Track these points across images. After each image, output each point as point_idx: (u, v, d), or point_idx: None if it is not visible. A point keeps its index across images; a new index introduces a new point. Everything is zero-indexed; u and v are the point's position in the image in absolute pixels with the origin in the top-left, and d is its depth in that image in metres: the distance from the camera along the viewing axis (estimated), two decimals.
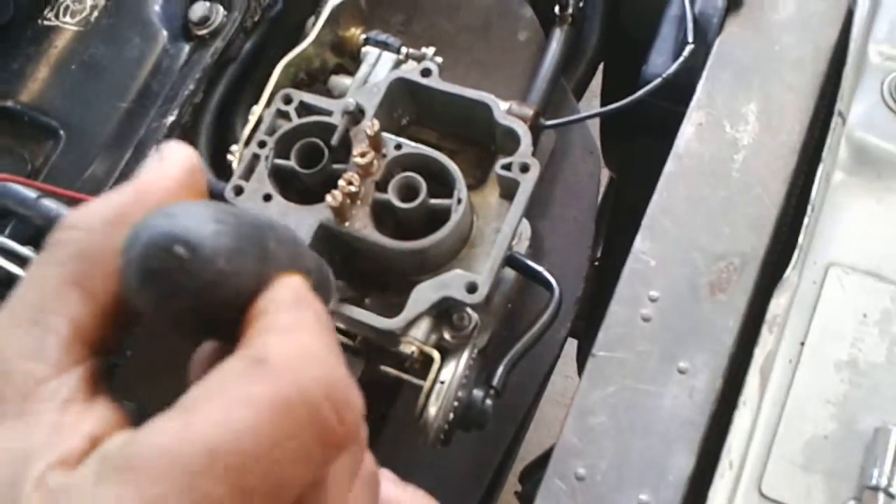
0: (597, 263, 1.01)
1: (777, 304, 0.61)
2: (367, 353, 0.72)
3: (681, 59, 0.75)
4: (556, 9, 0.89)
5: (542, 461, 1.01)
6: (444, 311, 0.69)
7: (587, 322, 0.96)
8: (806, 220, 0.62)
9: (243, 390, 0.27)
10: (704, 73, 0.75)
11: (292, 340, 0.29)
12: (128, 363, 0.66)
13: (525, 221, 0.80)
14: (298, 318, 0.30)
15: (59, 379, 0.30)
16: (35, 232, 0.69)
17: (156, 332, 0.33)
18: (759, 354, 0.60)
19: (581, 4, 0.91)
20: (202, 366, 0.34)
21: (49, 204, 0.65)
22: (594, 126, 1.03)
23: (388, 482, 0.39)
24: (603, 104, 1.12)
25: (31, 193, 0.65)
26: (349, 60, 0.83)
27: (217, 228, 0.29)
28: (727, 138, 0.72)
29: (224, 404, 0.27)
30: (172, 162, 0.35)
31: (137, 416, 0.32)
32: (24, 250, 0.61)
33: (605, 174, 1.11)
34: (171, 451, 0.26)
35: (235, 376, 0.28)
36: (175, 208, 0.30)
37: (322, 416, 0.28)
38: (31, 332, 0.30)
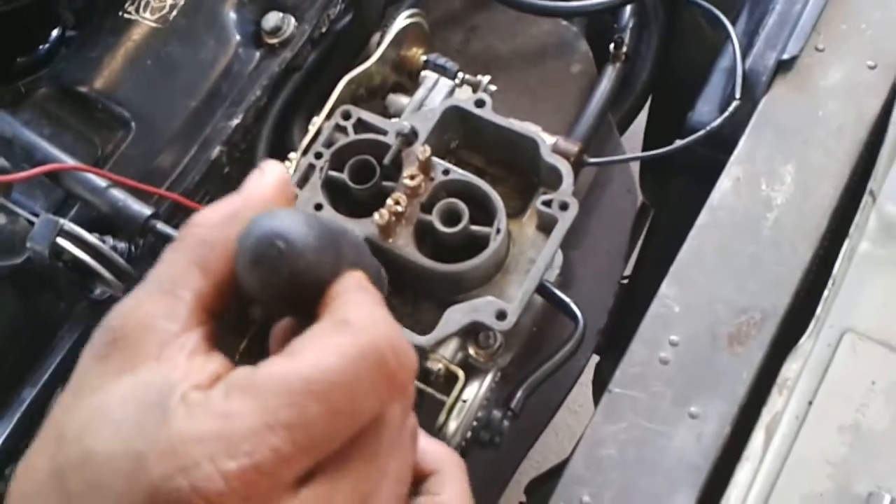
0: (624, 281, 1.04)
1: (789, 369, 0.64)
2: None
3: (727, 113, 0.78)
4: (612, 46, 0.92)
5: (549, 476, 1.05)
6: (471, 330, 0.73)
7: (608, 340, 0.99)
8: (826, 293, 0.65)
9: (332, 341, 0.37)
10: (747, 130, 0.77)
11: (365, 309, 0.39)
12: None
13: (558, 251, 0.83)
14: (364, 297, 0.40)
15: (186, 334, 0.39)
16: (97, 217, 0.73)
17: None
18: (767, 414, 0.63)
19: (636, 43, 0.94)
20: (281, 334, 0.44)
21: (117, 194, 0.69)
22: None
23: (424, 436, 0.48)
24: (646, 140, 1.15)
25: (102, 182, 0.70)
26: (407, 79, 0.86)
27: (307, 231, 0.39)
28: (762, 196, 0.74)
29: (319, 350, 0.37)
30: (270, 176, 0.45)
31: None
32: (90, 237, 0.66)
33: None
34: (281, 378, 0.36)
35: (326, 332, 0.38)
36: (279, 212, 0.40)
37: (387, 361, 0.37)
38: (165, 299, 0.40)
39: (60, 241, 0.64)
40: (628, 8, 0.96)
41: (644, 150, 1.11)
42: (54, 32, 1.10)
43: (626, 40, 0.93)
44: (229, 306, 0.43)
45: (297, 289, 0.39)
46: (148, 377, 0.38)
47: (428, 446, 0.48)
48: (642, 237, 1.15)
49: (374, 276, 0.44)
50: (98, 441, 0.36)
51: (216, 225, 0.42)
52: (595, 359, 1.18)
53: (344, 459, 0.38)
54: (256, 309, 0.51)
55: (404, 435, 0.42)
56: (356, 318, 0.38)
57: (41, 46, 1.08)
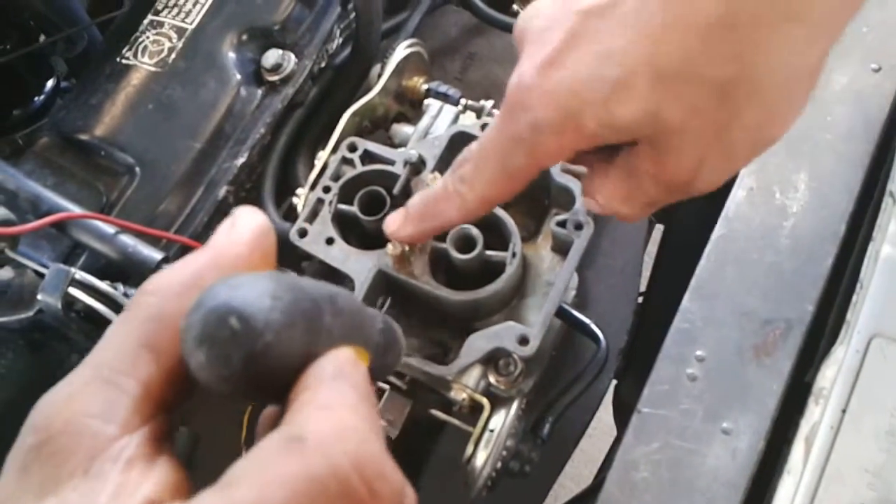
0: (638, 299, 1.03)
1: (824, 377, 0.62)
2: (416, 392, 0.74)
3: None
4: None
5: (576, 503, 1.03)
6: (491, 357, 0.71)
7: (625, 361, 0.98)
8: (854, 298, 0.64)
9: (277, 470, 0.29)
10: None
11: (329, 417, 0.31)
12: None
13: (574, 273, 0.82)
14: (337, 394, 0.32)
15: (125, 439, 0.32)
16: (106, 265, 0.72)
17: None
18: (805, 425, 0.61)
19: None
20: (265, 426, 0.37)
21: (126, 240, 0.68)
22: None
23: None
24: None
25: (110, 229, 0.68)
26: (410, 108, 0.86)
27: (272, 304, 0.32)
28: (777, 204, 0.74)
29: (259, 483, 0.29)
30: (243, 228, 0.37)
31: (189, 447, 0.35)
32: (102, 285, 0.64)
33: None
34: None
35: (271, 455, 0.30)
36: (239, 280, 0.32)
37: (353, 490, 0.30)
38: (103, 392, 0.33)
39: (73, 290, 0.62)
40: None
41: None
42: (49, 83, 1.10)
43: None
44: (186, 396, 0.35)
45: (256, 378, 0.32)
46: (72, 500, 0.31)
47: None
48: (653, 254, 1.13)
49: (380, 344, 0.38)
50: None
51: (173, 294, 0.34)
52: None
53: None
54: None
55: None
56: (315, 432, 0.30)
57: (36, 98, 1.08)
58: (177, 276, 0.35)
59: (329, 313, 0.34)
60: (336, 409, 0.31)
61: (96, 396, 0.33)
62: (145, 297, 0.35)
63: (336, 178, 0.75)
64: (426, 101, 0.82)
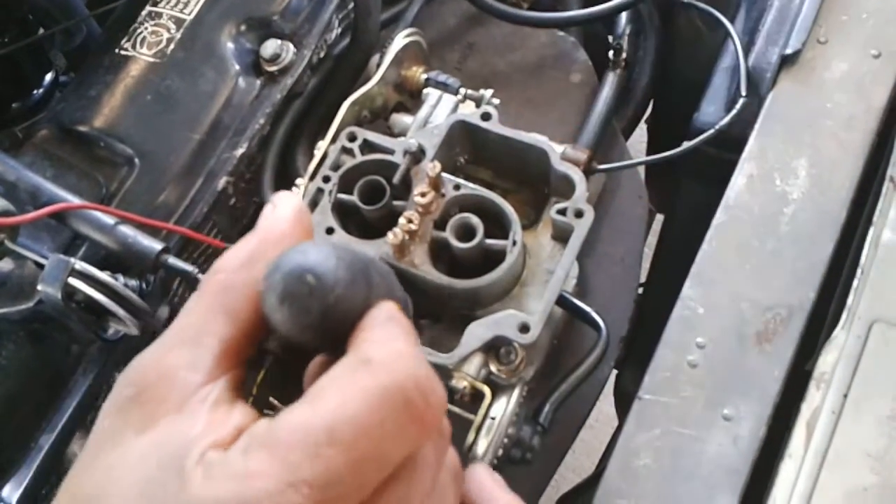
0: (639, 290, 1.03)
1: (825, 362, 0.62)
2: None
3: (734, 111, 0.77)
4: (610, 53, 0.92)
5: (578, 492, 1.03)
6: (492, 346, 0.71)
7: (625, 350, 0.98)
8: (855, 283, 0.64)
9: (354, 383, 0.35)
10: (756, 126, 0.76)
11: (388, 347, 0.37)
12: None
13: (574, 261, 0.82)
14: (392, 332, 0.39)
15: (210, 385, 0.38)
16: (106, 255, 0.72)
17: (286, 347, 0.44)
18: (806, 409, 0.61)
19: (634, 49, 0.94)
20: (314, 375, 0.42)
21: (126, 230, 0.68)
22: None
23: (494, 482, 0.47)
24: (650, 144, 1.15)
25: (110, 220, 0.68)
26: (409, 98, 0.86)
27: (337, 263, 0.38)
28: (777, 191, 0.74)
29: (340, 394, 0.35)
30: (284, 209, 0.44)
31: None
32: (102, 275, 0.64)
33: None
34: (302, 428, 0.34)
35: (346, 373, 0.36)
36: (306, 247, 0.39)
37: (413, 401, 0.36)
38: (189, 349, 0.39)
39: (73, 280, 0.62)
40: (624, 15, 0.96)
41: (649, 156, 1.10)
42: (48, 76, 1.10)
43: (625, 47, 0.92)
44: (253, 351, 0.42)
45: (330, 324, 0.38)
46: (167, 432, 0.37)
47: (501, 497, 0.46)
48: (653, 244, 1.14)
49: (403, 305, 0.43)
50: None
51: (237, 269, 0.41)
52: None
53: None
54: (273, 340, 0.50)
55: (442, 477, 0.40)
56: (379, 356, 0.37)
57: (35, 91, 1.08)
58: (237, 255, 0.42)
59: (375, 273, 0.41)
60: (391, 342, 0.38)
61: (184, 353, 0.39)
62: (215, 275, 0.42)
63: (335, 167, 0.74)
64: (425, 91, 0.81)
